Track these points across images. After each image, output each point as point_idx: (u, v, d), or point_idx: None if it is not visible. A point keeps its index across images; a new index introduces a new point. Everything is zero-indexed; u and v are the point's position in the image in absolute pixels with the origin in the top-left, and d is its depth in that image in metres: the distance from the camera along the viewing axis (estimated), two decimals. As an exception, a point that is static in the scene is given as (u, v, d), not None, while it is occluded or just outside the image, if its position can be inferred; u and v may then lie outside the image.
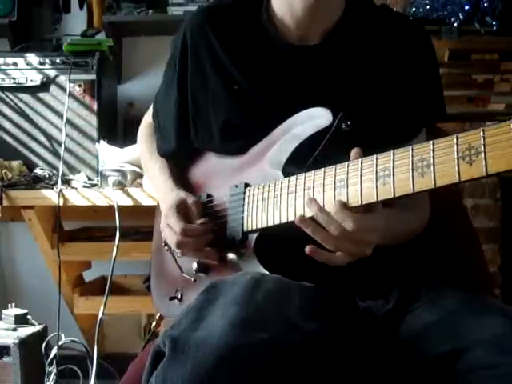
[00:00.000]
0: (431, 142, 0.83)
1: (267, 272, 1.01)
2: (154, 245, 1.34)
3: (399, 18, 1.21)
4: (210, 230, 1.12)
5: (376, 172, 0.89)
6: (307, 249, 0.93)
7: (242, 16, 1.17)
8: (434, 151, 0.82)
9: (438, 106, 1.19)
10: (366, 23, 1.15)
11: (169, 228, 1.13)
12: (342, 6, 1.14)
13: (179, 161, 1.30)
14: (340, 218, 0.90)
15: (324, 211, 0.92)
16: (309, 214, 0.95)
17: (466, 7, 2.35)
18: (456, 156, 0.79)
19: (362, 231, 0.90)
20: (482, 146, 0.77)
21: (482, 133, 0.77)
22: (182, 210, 1.14)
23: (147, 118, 1.41)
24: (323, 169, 0.97)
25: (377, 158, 0.89)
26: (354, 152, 0.92)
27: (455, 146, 0.80)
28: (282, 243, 1.05)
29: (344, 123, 0.99)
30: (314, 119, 1.03)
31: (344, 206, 0.91)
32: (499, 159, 0.75)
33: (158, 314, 1.37)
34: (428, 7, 2.39)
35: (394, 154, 0.87)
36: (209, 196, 1.19)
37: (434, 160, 0.82)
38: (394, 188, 0.87)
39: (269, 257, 1.04)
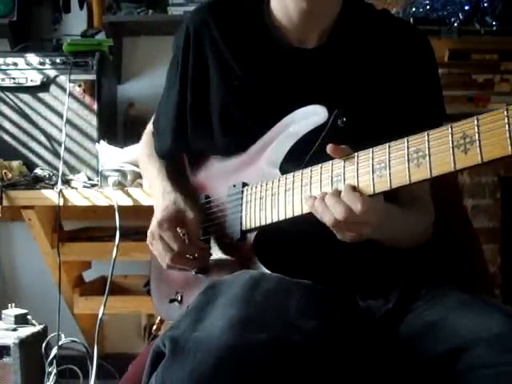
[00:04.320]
0: (426, 132, 0.84)
1: (267, 270, 1.01)
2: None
3: (398, 22, 1.21)
4: (207, 255, 1.13)
5: (372, 165, 0.89)
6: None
7: (246, 12, 1.17)
8: (428, 141, 0.83)
9: (438, 109, 1.19)
10: (364, 27, 1.15)
11: (162, 242, 1.11)
12: (338, 10, 1.14)
13: (177, 163, 1.30)
14: (349, 200, 0.90)
15: (331, 194, 0.92)
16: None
17: (466, 7, 2.35)
18: (451, 145, 0.80)
19: (366, 212, 0.89)
20: (477, 134, 0.77)
21: (476, 121, 0.78)
22: (178, 223, 1.12)
23: (149, 127, 1.40)
24: (320, 165, 0.97)
25: (373, 151, 0.90)
26: (329, 149, 0.93)
27: (450, 136, 0.80)
28: (281, 241, 1.06)
29: (340, 120, 1.00)
30: (309, 117, 1.04)
31: (354, 188, 0.90)
32: (494, 146, 0.76)
33: (159, 318, 1.37)
34: (428, 7, 2.39)
35: (389, 147, 0.88)
36: (207, 197, 1.19)
37: (429, 150, 0.82)
38: (390, 180, 0.87)
39: (268, 255, 1.04)
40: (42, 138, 2.30)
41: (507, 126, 0.74)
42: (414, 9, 2.40)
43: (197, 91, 1.19)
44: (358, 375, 0.88)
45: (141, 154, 1.38)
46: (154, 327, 1.38)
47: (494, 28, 2.37)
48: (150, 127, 1.40)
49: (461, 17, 2.37)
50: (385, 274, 1.09)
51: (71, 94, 2.26)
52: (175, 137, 1.23)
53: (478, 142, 0.77)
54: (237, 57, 1.15)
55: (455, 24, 2.38)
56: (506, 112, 0.75)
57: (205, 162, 1.24)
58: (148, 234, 1.14)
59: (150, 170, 1.29)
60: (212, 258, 1.14)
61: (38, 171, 2.21)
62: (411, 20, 2.33)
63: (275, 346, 0.78)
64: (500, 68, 2.52)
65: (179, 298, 1.18)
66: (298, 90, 1.12)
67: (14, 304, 2.22)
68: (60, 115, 2.26)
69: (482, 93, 2.54)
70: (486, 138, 0.76)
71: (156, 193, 1.23)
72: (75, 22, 2.66)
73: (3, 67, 2.30)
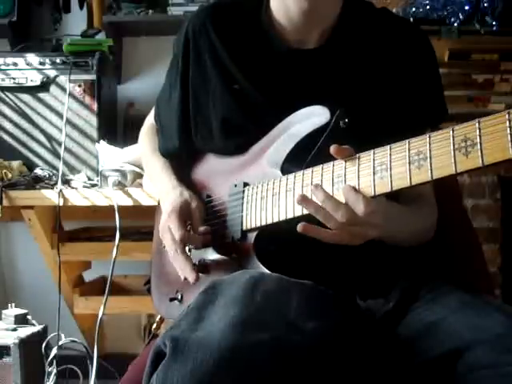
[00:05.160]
0: (427, 135, 0.84)
1: (267, 271, 1.01)
2: (154, 246, 1.34)
3: (398, 21, 1.21)
4: (209, 240, 1.13)
5: (373, 166, 0.89)
6: (299, 226, 0.92)
7: (244, 15, 1.17)
8: (430, 144, 0.83)
9: (440, 107, 1.19)
10: (364, 26, 1.15)
11: (169, 232, 1.12)
12: (339, 10, 1.14)
13: (180, 161, 1.30)
14: (352, 201, 0.90)
15: (331, 197, 0.92)
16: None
17: (466, 7, 2.36)
18: (452, 148, 0.80)
19: (370, 214, 0.90)
20: (478, 137, 0.77)
21: (477, 124, 0.78)
22: (184, 214, 1.13)
23: (149, 120, 1.41)
24: (321, 165, 0.97)
25: (374, 153, 0.90)
26: (333, 150, 0.93)
27: (451, 139, 0.80)
28: (282, 242, 1.06)
29: (342, 120, 0.99)
30: (311, 117, 1.04)
31: (355, 189, 0.90)
32: (495, 149, 0.75)
33: (159, 316, 1.37)
34: (428, 7, 2.40)
35: (390, 149, 0.88)
36: (208, 196, 1.20)
37: (430, 153, 0.82)
38: (391, 182, 0.87)
39: (268, 255, 1.04)
40: (42, 138, 2.30)
41: (509, 129, 0.74)
42: (413, 9, 2.41)
43: (197, 94, 1.20)
44: (358, 375, 0.88)
45: (145, 149, 1.38)
46: (154, 326, 1.38)
47: (494, 28, 2.37)
48: (149, 120, 1.40)
49: (461, 17, 2.37)
50: (385, 274, 1.09)
51: (71, 94, 2.26)
52: (181, 138, 1.24)
53: (479, 144, 0.77)
54: (236, 60, 1.15)
55: (455, 24, 2.39)
56: (507, 115, 0.75)
57: (206, 162, 1.25)
58: (160, 228, 1.15)
59: (154, 165, 1.30)
60: (212, 257, 1.14)
61: (37, 171, 2.21)
62: (411, 20, 2.33)
63: (275, 346, 0.78)
64: (500, 68, 2.53)
65: (179, 297, 1.18)
66: (299, 91, 1.12)
67: (14, 304, 2.21)
68: (60, 115, 2.26)
69: (482, 93, 2.54)
70: (487, 141, 0.76)
71: (162, 188, 1.24)
72: (75, 22, 2.66)
73: (3, 67, 2.30)
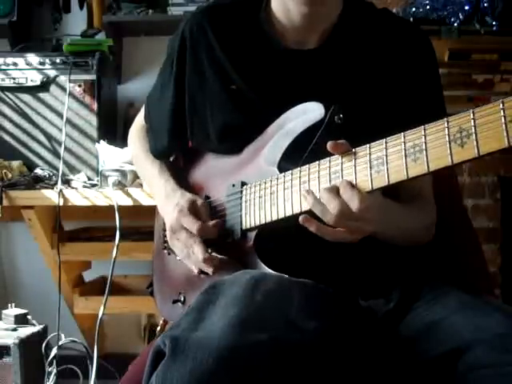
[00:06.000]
0: (422, 127, 0.84)
1: (268, 270, 1.01)
2: (154, 248, 1.34)
3: (399, 21, 1.21)
4: (221, 229, 1.12)
5: (370, 161, 0.89)
6: (301, 217, 0.93)
7: (242, 16, 1.17)
8: (425, 136, 0.83)
9: (438, 107, 1.19)
10: (364, 26, 1.15)
11: (183, 229, 1.11)
12: (339, 10, 1.14)
13: (177, 162, 1.30)
14: (347, 197, 0.90)
15: (327, 190, 0.92)
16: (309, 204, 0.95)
17: (466, 7, 2.36)
18: (447, 139, 0.80)
19: (364, 209, 0.90)
20: (473, 128, 0.77)
21: (472, 114, 0.78)
22: (193, 211, 1.13)
23: (139, 120, 1.40)
24: (318, 162, 0.97)
25: (370, 147, 0.90)
26: (329, 146, 0.93)
27: (446, 130, 0.80)
28: (282, 240, 1.06)
29: (336, 116, 0.99)
30: (306, 114, 1.04)
31: (352, 184, 0.91)
32: (490, 139, 0.76)
33: (163, 318, 1.37)
34: (428, 7, 2.40)
35: (386, 142, 0.88)
36: (207, 197, 1.19)
37: (426, 145, 0.83)
38: (388, 175, 0.87)
39: (269, 254, 1.04)
40: (42, 138, 2.30)
41: (503, 118, 0.74)
42: (413, 9, 2.41)
43: (193, 95, 1.19)
44: (358, 375, 0.88)
45: (137, 151, 1.37)
46: (158, 328, 1.38)
47: (494, 28, 2.37)
48: (139, 121, 1.39)
49: (461, 17, 2.37)
50: (386, 274, 1.09)
51: (71, 94, 2.26)
52: (171, 138, 1.23)
53: (474, 135, 0.77)
54: (233, 61, 1.15)
55: (455, 24, 2.39)
56: (501, 105, 0.75)
57: (203, 162, 1.24)
58: (167, 231, 1.15)
59: (149, 169, 1.29)
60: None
61: (38, 171, 2.21)
62: (411, 20, 2.33)
63: (276, 346, 0.78)
64: (500, 68, 2.52)
65: (182, 299, 1.18)
66: (298, 91, 1.11)
67: (14, 304, 2.22)
68: (60, 115, 2.26)
69: (482, 93, 2.54)
70: (482, 130, 0.76)
71: (160, 192, 1.23)
72: (75, 22, 2.66)
73: (3, 67, 2.30)
